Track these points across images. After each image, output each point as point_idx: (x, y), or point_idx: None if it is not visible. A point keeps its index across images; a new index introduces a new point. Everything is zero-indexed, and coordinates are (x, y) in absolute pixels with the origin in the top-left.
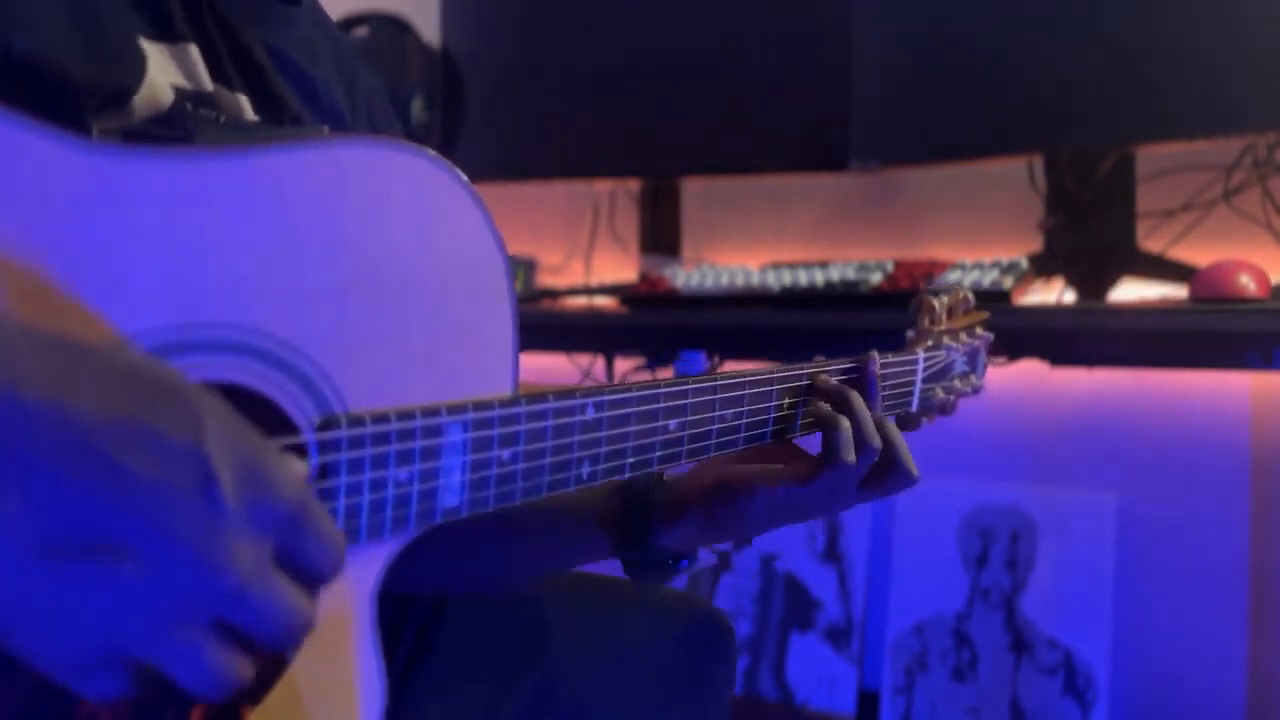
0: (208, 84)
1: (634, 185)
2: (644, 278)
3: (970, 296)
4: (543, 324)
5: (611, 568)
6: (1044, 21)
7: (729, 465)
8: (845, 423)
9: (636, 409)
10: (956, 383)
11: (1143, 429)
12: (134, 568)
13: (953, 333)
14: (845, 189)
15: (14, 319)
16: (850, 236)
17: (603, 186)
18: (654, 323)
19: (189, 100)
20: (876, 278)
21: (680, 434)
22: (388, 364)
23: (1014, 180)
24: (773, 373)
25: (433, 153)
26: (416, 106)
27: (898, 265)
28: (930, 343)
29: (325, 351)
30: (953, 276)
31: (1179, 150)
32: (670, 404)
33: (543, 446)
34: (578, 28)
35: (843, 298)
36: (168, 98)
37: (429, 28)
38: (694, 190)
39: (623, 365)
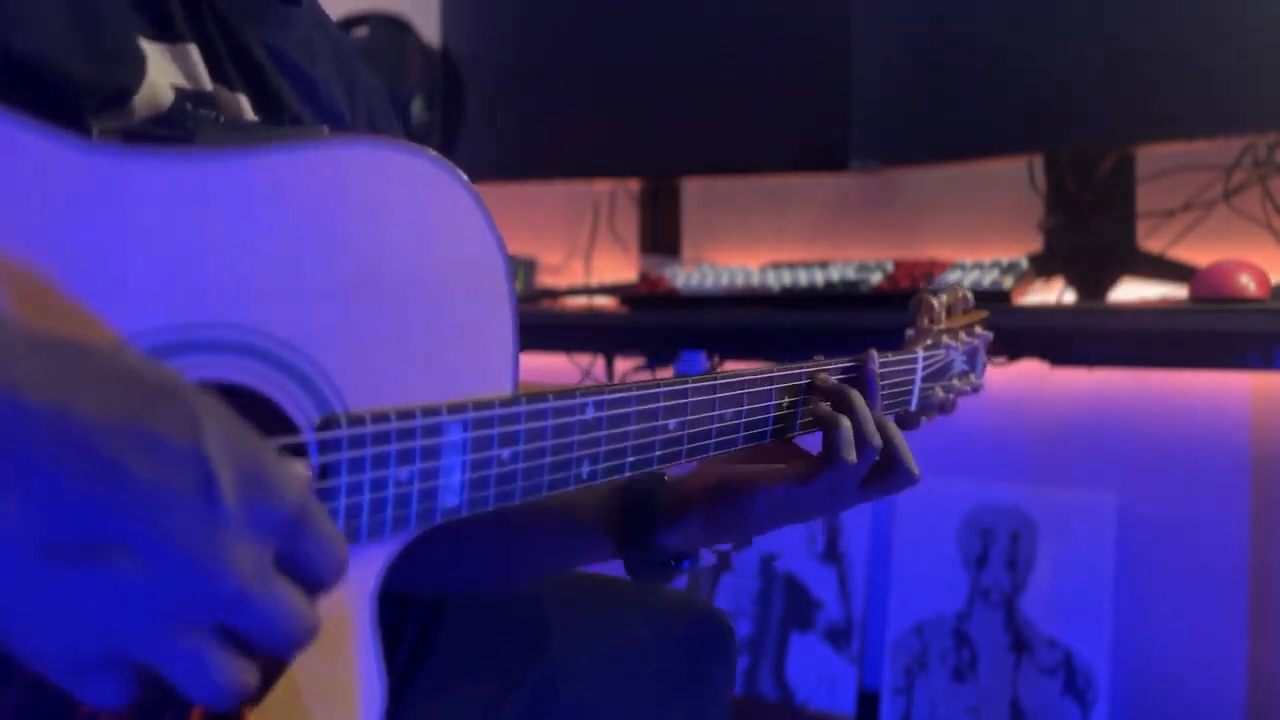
0: (207, 84)
1: (634, 185)
2: (644, 278)
3: (969, 295)
4: (543, 324)
5: (611, 567)
6: (1044, 21)
7: (730, 465)
8: (845, 422)
9: (636, 408)
10: (956, 382)
11: (1143, 429)
12: (133, 569)
13: (952, 332)
14: (845, 189)
15: (14, 320)
16: (850, 236)
17: (603, 186)
18: (654, 323)
19: (189, 100)
20: (876, 278)
21: (680, 433)
22: (388, 364)
23: (1014, 180)
24: (772, 372)
25: (433, 153)
26: (416, 106)
27: (898, 265)
28: (930, 342)
29: (325, 351)
30: (953, 276)
31: (1179, 150)
32: (670, 403)
33: (542, 446)
34: (578, 28)
35: (843, 298)
36: (168, 98)
37: (429, 28)
38: (694, 190)
39: (623, 365)
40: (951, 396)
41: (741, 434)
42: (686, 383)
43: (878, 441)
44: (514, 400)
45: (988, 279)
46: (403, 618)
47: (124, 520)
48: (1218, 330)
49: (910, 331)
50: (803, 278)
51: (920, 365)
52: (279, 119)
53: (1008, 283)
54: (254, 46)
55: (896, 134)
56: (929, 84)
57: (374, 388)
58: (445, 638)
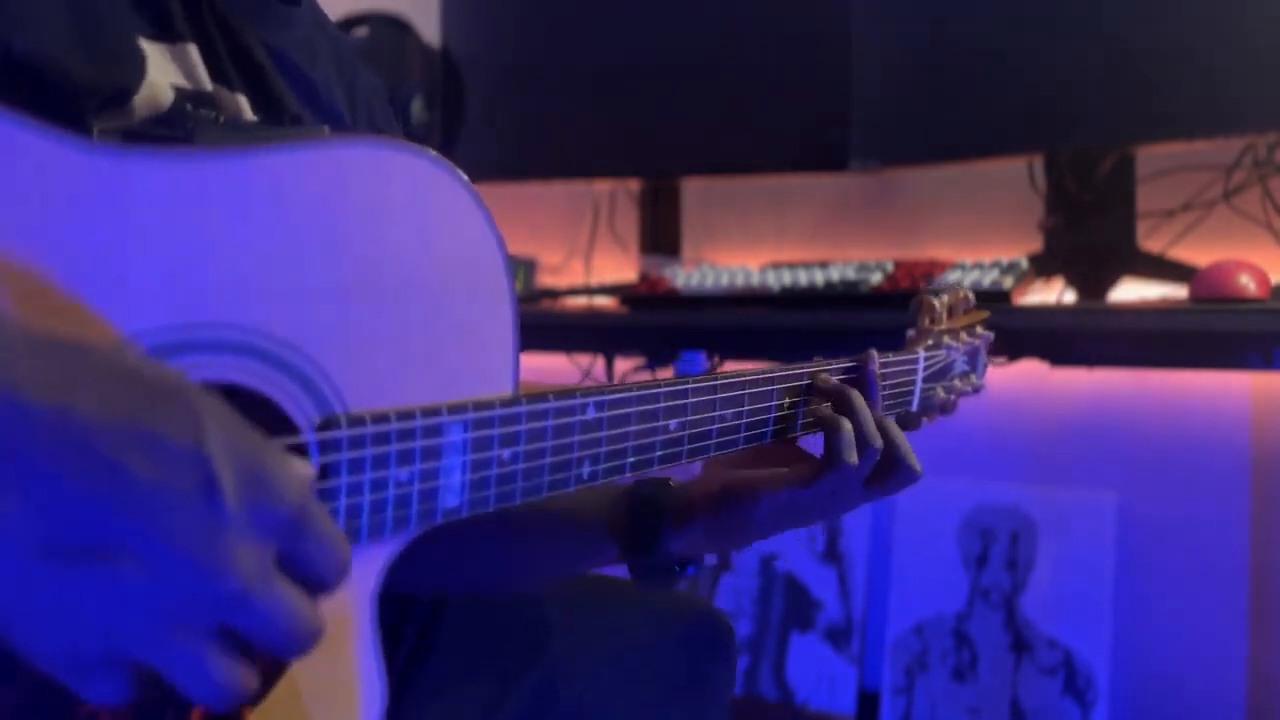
0: (207, 84)
1: (634, 185)
2: (644, 278)
3: (970, 296)
4: (543, 324)
5: (611, 568)
6: (1044, 21)
7: (733, 471)
8: (846, 424)
9: (637, 409)
10: (957, 382)
11: (1143, 429)
12: (134, 570)
13: (953, 332)
14: (845, 189)
15: (14, 320)
16: (850, 236)
17: (603, 186)
18: (654, 323)
19: (189, 100)
20: (876, 278)
21: (680, 434)
22: (388, 364)
23: (1014, 180)
24: (773, 372)
25: (433, 153)
26: (416, 106)
27: (898, 265)
28: (930, 342)
29: (325, 351)
30: (953, 276)
31: (1179, 150)
32: (670, 404)
33: (543, 446)
34: (578, 28)
35: (843, 298)
36: (168, 98)
37: (429, 28)
38: (694, 190)
39: (623, 365)
40: (953, 397)
41: (742, 434)
42: (687, 383)
43: (879, 442)
44: (514, 400)
45: (988, 279)
46: (403, 618)
47: (124, 520)
48: (1218, 330)
49: (911, 332)
50: (803, 278)
51: (921, 365)
52: (279, 119)
53: (1008, 283)
54: (254, 46)
55: (896, 134)
56: (929, 84)
57: (374, 388)
58: (445, 638)
